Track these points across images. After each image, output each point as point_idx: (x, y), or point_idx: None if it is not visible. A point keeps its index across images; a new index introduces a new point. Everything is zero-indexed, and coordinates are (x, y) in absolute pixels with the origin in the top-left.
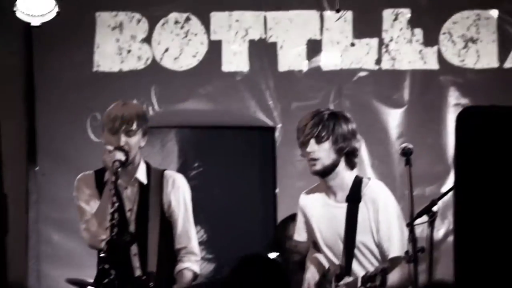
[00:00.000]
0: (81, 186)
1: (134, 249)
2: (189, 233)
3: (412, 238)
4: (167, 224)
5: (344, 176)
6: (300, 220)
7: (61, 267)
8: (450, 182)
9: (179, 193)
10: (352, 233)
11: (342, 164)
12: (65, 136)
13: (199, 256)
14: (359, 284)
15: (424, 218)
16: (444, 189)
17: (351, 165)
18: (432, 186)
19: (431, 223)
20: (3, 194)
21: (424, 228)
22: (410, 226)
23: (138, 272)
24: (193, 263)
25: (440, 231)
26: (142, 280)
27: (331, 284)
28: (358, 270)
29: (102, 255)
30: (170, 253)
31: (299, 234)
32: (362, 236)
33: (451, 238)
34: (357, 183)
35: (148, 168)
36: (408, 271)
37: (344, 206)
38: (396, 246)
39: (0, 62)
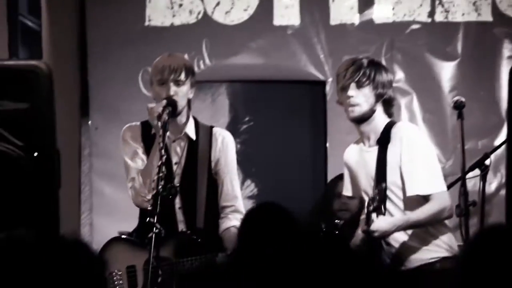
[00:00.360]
0: (127, 138)
1: (178, 202)
2: (236, 192)
3: (464, 192)
4: (214, 181)
5: (379, 121)
6: (345, 174)
7: (114, 220)
8: (503, 135)
9: (227, 151)
10: (382, 175)
11: (379, 112)
12: (117, 90)
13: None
14: (365, 210)
15: (476, 171)
16: (497, 142)
17: (388, 113)
18: (484, 139)
19: (483, 177)
20: (56, 149)
21: (476, 181)
22: (462, 179)
23: (181, 226)
24: (239, 221)
25: (492, 184)
26: (188, 235)
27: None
28: (393, 210)
29: (149, 207)
30: (215, 210)
31: (347, 189)
32: (392, 176)
33: (503, 192)
34: (389, 126)
35: (197, 124)
36: (428, 211)
37: (375, 149)
38: (419, 185)
39: (53, 18)
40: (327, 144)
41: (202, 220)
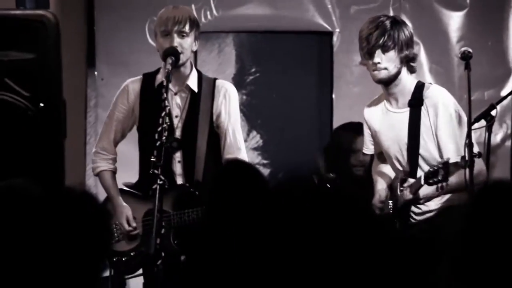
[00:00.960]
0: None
1: (178, 156)
2: (239, 144)
3: (469, 143)
4: (215, 134)
5: (407, 82)
6: (366, 133)
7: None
8: (509, 86)
9: (230, 103)
10: (415, 138)
11: (404, 71)
12: (123, 40)
13: None
14: (422, 182)
15: (482, 122)
16: (503, 93)
17: (411, 70)
18: (491, 90)
19: (489, 128)
20: (63, 100)
21: (481, 132)
22: (468, 130)
23: (180, 179)
24: None
25: (497, 135)
26: (187, 187)
27: (397, 190)
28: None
29: (152, 159)
30: (216, 163)
31: (367, 147)
32: (426, 141)
33: (508, 143)
34: (419, 88)
35: (200, 76)
36: (464, 177)
37: (405, 111)
38: (454, 152)
39: None
40: (333, 95)
41: (201, 173)
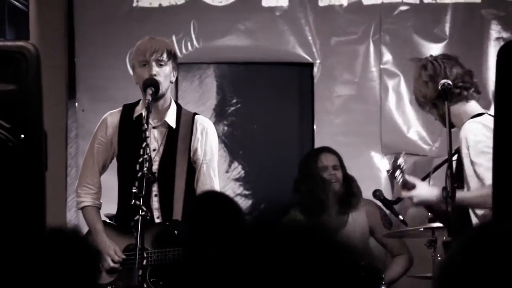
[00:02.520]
0: (105, 126)
1: (154, 189)
2: (213, 182)
3: (450, 174)
4: (194, 170)
5: None
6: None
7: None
8: None
9: (207, 140)
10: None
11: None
12: (104, 72)
13: None
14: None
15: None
16: None
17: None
18: None
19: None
20: (44, 131)
21: None
22: (448, 162)
23: (156, 214)
24: None
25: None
26: (166, 225)
27: None
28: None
29: (134, 190)
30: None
31: None
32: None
33: None
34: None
35: (179, 110)
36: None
37: None
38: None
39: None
40: (314, 126)
41: (180, 212)
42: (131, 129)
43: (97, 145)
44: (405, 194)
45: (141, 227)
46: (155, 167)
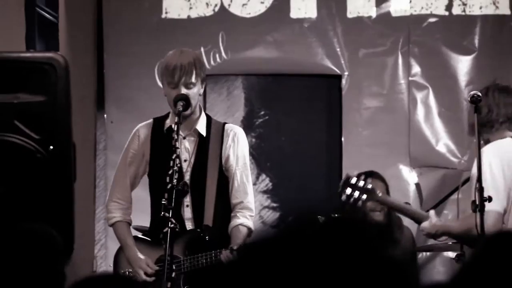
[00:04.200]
0: (137, 139)
1: (187, 200)
2: (246, 189)
3: (479, 187)
4: (225, 178)
5: None
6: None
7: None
8: None
9: (238, 147)
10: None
11: None
12: (133, 83)
13: (254, 211)
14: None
15: None
16: None
17: None
18: None
19: None
20: (72, 142)
21: None
22: (478, 175)
23: (189, 224)
24: (248, 219)
25: None
26: (197, 232)
27: None
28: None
29: (163, 202)
30: (226, 208)
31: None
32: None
33: None
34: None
35: (209, 120)
36: (469, 224)
37: None
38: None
39: (70, 10)
40: (342, 138)
41: (211, 218)
42: (162, 142)
43: (129, 158)
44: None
45: (170, 239)
46: (187, 177)
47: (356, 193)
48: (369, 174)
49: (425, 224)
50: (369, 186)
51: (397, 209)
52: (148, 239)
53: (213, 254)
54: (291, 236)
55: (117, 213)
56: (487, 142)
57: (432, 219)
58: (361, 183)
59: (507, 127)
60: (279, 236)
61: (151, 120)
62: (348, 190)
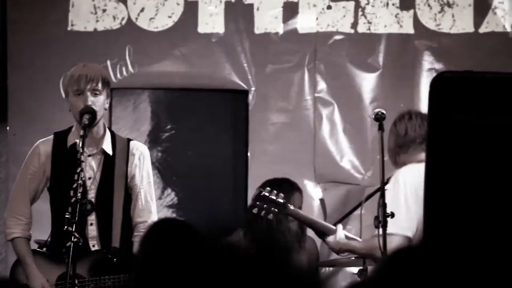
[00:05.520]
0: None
1: (92, 218)
2: (151, 208)
3: (382, 203)
4: (129, 197)
5: None
6: None
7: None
8: None
9: (143, 166)
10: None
11: None
12: (37, 95)
13: None
14: None
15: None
16: None
17: None
18: None
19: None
20: None
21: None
22: (381, 191)
23: (94, 243)
24: None
25: None
26: (104, 253)
27: None
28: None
29: (66, 215)
30: (130, 227)
31: None
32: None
33: None
34: None
35: (113, 137)
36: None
37: None
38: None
39: None
40: (248, 154)
41: (118, 238)
42: (64, 158)
43: (29, 175)
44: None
45: (73, 253)
46: (91, 195)
47: (268, 206)
48: (282, 182)
49: (330, 238)
50: (281, 200)
51: (306, 222)
52: (48, 253)
53: (121, 278)
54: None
55: (16, 229)
56: (403, 165)
57: (339, 234)
58: (273, 197)
59: (422, 149)
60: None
61: (51, 136)
62: (260, 203)
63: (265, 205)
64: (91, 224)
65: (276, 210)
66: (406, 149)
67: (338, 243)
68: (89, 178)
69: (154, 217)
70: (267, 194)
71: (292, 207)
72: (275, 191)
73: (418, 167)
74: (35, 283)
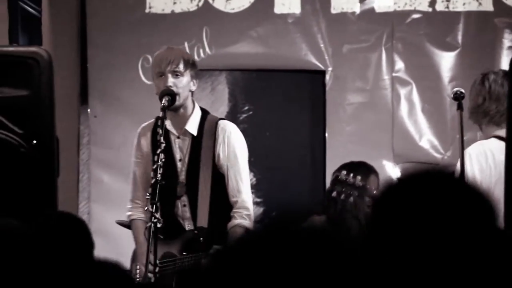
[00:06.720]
0: (140, 140)
1: (184, 200)
2: (239, 187)
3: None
4: (220, 177)
5: None
6: None
7: (111, 209)
8: None
9: (230, 145)
10: None
11: None
12: (116, 78)
13: (250, 210)
14: None
15: None
16: None
17: None
18: None
19: None
20: (55, 137)
21: None
22: (461, 171)
23: (187, 224)
24: (244, 218)
25: None
26: (194, 233)
27: None
28: None
29: (147, 197)
30: (223, 207)
31: None
32: None
33: None
34: None
35: (204, 117)
36: None
37: None
38: None
39: (54, 5)
40: (326, 134)
41: (206, 218)
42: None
43: (136, 159)
44: None
45: (153, 234)
46: (182, 177)
47: (346, 189)
48: (358, 166)
49: None
50: (359, 183)
51: None
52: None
53: (204, 254)
54: (273, 237)
55: (135, 212)
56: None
57: None
58: (352, 180)
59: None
60: (259, 238)
61: (153, 120)
62: (339, 187)
63: (343, 189)
64: (184, 206)
65: (356, 193)
66: (483, 118)
67: None
68: (180, 160)
69: (244, 196)
70: (344, 177)
71: (374, 190)
72: (352, 174)
73: (487, 145)
74: (141, 260)
